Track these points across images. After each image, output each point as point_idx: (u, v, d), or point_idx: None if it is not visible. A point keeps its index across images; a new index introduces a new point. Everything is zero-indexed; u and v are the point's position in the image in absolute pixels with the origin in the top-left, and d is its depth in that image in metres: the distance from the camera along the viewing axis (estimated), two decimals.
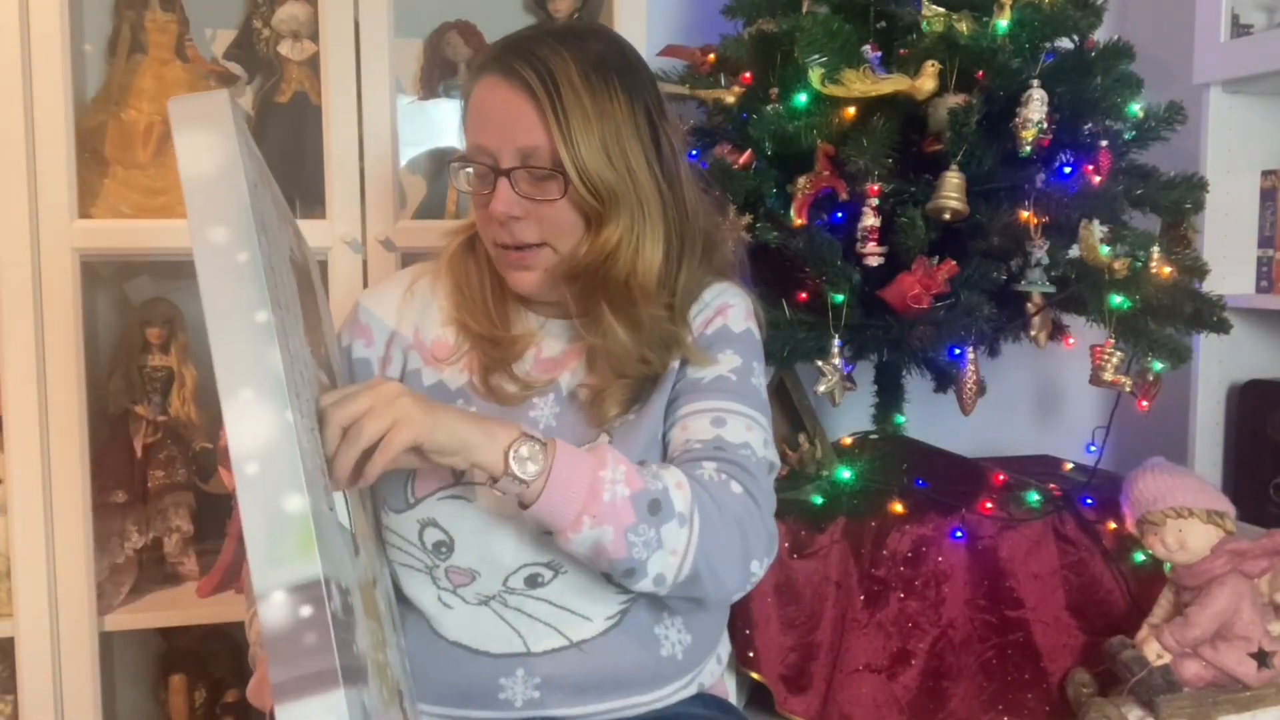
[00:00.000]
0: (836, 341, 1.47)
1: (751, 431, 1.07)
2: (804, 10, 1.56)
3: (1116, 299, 1.45)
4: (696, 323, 1.12)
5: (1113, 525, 1.55)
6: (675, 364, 1.11)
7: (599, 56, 1.03)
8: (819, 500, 1.52)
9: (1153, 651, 1.40)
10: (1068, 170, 1.48)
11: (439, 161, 1.83)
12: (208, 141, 0.80)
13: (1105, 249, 1.43)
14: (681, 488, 0.99)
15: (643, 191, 1.04)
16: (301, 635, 0.67)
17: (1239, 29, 1.87)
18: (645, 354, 1.07)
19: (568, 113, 0.99)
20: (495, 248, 1.07)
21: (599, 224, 1.03)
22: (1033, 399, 2.22)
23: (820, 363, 1.49)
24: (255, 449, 0.71)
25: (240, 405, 0.72)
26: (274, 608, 0.68)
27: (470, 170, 1.07)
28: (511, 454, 0.93)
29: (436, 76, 1.81)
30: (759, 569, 1.04)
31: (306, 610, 0.68)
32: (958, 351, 1.52)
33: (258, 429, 0.72)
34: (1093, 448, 1.69)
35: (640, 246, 1.04)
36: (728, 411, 1.07)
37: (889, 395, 1.84)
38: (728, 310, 1.13)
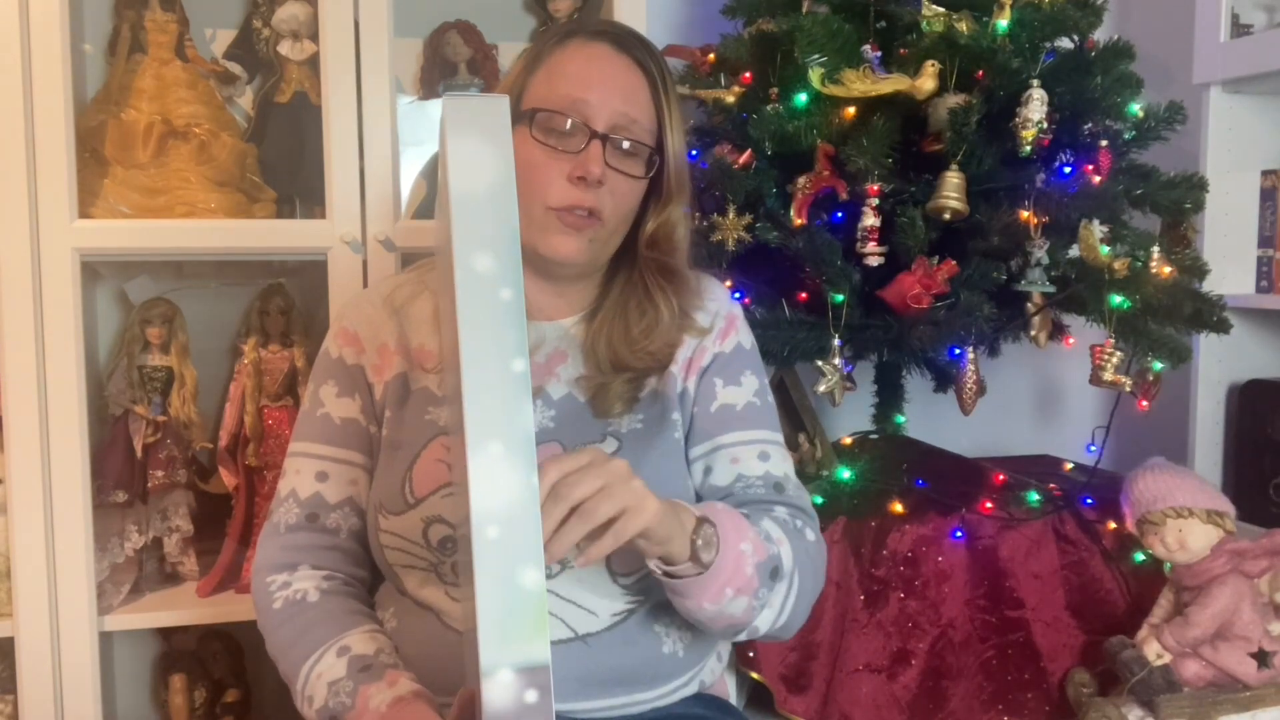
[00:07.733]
0: (836, 341, 1.48)
1: (786, 460, 1.16)
2: (804, 10, 1.56)
3: (1116, 299, 1.45)
4: (712, 336, 1.16)
5: (1113, 525, 1.55)
6: (677, 371, 1.13)
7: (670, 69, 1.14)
8: (819, 500, 1.52)
9: (1153, 651, 1.40)
10: (1068, 170, 1.48)
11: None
12: (484, 153, 0.72)
13: (1105, 249, 1.43)
14: (783, 544, 1.05)
15: (688, 184, 1.13)
16: None
17: (1239, 29, 1.87)
18: (659, 344, 1.11)
19: (671, 101, 1.08)
20: (549, 210, 1.04)
21: (664, 203, 1.10)
22: (1033, 399, 2.22)
23: (820, 363, 1.49)
24: (498, 511, 0.67)
25: (488, 461, 0.67)
26: (500, 687, 0.65)
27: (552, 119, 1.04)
28: (699, 541, 0.95)
29: (436, 76, 1.80)
30: None
31: (532, 696, 0.65)
32: (958, 351, 1.52)
33: (502, 489, 0.67)
34: (1093, 448, 1.68)
35: (684, 232, 1.12)
36: (767, 443, 1.15)
37: (889, 395, 1.84)
38: (736, 322, 1.18)
